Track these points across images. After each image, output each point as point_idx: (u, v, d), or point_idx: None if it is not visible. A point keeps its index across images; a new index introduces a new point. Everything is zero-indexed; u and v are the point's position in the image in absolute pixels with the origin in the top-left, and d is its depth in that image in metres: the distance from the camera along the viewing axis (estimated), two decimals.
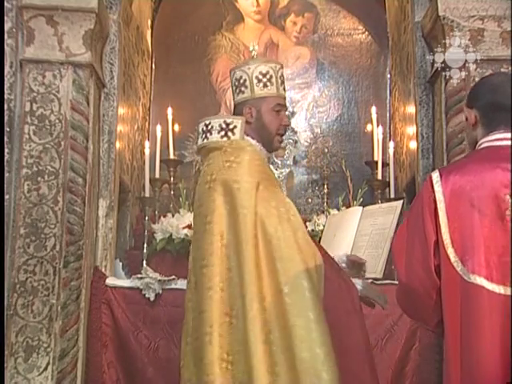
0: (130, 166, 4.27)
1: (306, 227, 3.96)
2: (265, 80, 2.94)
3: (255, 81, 2.94)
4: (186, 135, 4.65)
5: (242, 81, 2.96)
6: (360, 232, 3.70)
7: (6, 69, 3.57)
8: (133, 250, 4.14)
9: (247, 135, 2.89)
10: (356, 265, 3.21)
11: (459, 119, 3.52)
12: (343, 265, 3.26)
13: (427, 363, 3.43)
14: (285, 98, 2.98)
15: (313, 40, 4.93)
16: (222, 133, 2.82)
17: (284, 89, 2.97)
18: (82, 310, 3.51)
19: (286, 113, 4.53)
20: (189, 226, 3.99)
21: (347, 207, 4.12)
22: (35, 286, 3.40)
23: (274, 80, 2.93)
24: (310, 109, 4.83)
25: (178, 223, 4.07)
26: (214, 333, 2.55)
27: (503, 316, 2.07)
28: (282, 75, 2.98)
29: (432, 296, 2.21)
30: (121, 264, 3.97)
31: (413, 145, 3.99)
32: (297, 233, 2.66)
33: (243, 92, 2.96)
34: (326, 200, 4.38)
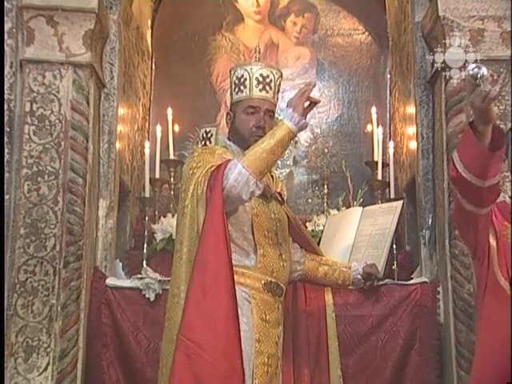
0: (130, 166, 4.27)
1: (306, 227, 3.98)
2: (240, 85, 2.97)
3: (233, 86, 3.03)
4: (186, 135, 4.64)
5: (230, 85, 3.07)
6: (360, 232, 3.70)
7: (6, 69, 3.57)
8: (133, 250, 4.14)
9: (229, 139, 3.03)
10: (372, 277, 3.26)
11: (459, 119, 3.52)
12: (358, 276, 3.27)
13: (427, 363, 3.43)
14: (264, 99, 2.95)
15: (313, 40, 4.92)
16: (203, 142, 2.93)
17: (266, 90, 2.96)
18: (82, 310, 3.51)
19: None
20: None
21: (347, 207, 4.12)
22: (35, 286, 3.40)
23: (247, 83, 2.96)
24: None
25: None
26: None
27: None
28: (264, 76, 2.97)
29: None
30: (121, 264, 3.97)
31: (413, 145, 3.99)
32: None
33: (230, 99, 3.08)
34: (326, 200, 4.38)
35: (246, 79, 2.95)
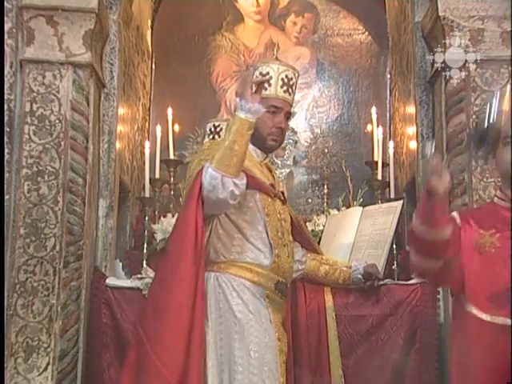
0: (130, 166, 4.27)
1: (306, 227, 3.97)
2: (265, 82, 2.94)
3: None
4: (186, 135, 4.64)
5: None
6: (360, 232, 3.70)
7: (6, 69, 3.57)
8: (133, 250, 4.13)
9: None
10: (372, 277, 3.26)
11: (459, 119, 3.52)
12: (359, 276, 3.27)
13: (427, 363, 3.43)
14: (286, 101, 2.96)
15: (313, 40, 4.93)
16: (211, 136, 2.91)
17: (289, 92, 2.95)
18: (82, 310, 3.51)
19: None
20: None
21: (347, 207, 4.12)
22: (35, 286, 3.40)
23: (273, 81, 2.92)
24: (310, 109, 4.83)
25: None
26: None
27: None
28: (289, 78, 2.95)
29: None
30: (121, 264, 3.97)
31: (413, 145, 3.99)
32: None
33: None
34: (326, 200, 4.38)
35: (271, 77, 2.91)
